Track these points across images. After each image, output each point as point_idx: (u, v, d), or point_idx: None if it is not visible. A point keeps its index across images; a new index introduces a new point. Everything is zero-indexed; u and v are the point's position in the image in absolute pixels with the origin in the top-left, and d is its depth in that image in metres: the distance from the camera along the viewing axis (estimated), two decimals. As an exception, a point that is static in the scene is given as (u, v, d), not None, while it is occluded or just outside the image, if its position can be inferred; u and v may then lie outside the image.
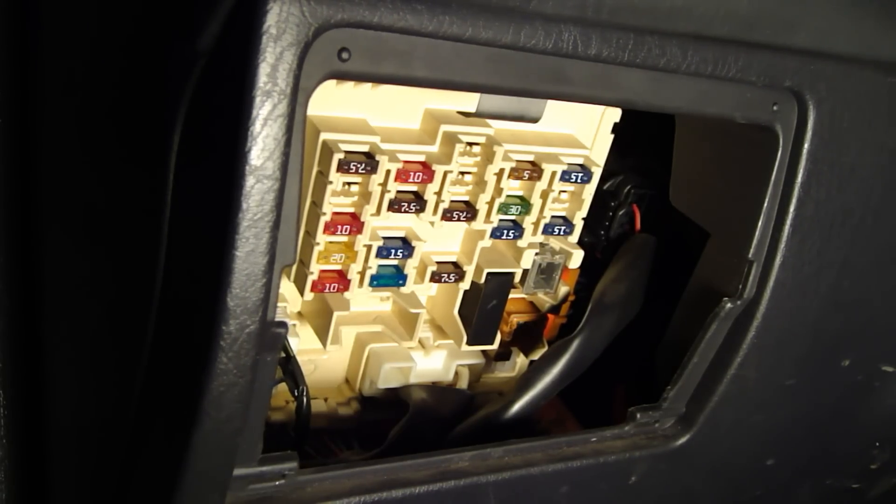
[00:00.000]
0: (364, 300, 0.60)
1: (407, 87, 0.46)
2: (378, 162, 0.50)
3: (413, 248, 0.54)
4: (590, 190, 0.59)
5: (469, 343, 0.61)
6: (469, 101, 0.53)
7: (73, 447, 0.56)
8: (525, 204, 0.57)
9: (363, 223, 0.52)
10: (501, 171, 0.54)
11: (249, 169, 0.38)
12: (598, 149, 0.61)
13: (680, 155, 0.61)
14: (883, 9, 0.56)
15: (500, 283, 0.59)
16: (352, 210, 0.52)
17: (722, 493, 0.73)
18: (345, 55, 0.40)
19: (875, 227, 0.62)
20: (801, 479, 0.79)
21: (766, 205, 0.56)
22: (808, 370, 0.67)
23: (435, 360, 0.65)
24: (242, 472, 0.46)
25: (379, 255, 0.53)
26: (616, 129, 0.60)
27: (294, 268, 0.53)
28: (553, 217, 0.59)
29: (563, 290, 0.64)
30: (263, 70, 0.37)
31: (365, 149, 0.50)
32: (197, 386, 0.41)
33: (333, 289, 0.53)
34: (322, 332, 0.56)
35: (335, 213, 0.51)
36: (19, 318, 0.59)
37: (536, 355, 0.65)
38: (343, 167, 0.49)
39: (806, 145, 0.55)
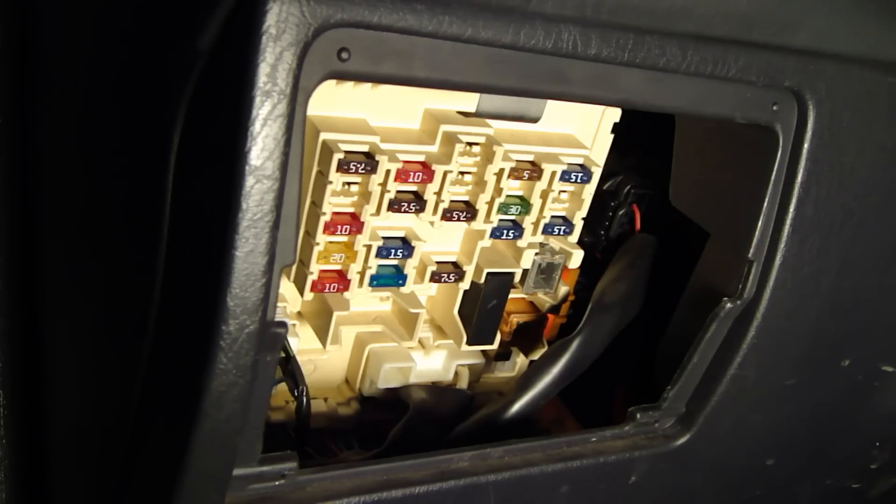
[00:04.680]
0: (364, 300, 0.60)
1: (407, 87, 0.46)
2: (378, 162, 0.50)
3: (413, 248, 0.54)
4: (590, 190, 0.59)
5: (469, 343, 0.61)
6: (469, 101, 0.53)
7: (73, 447, 0.56)
8: (525, 204, 0.57)
9: (363, 223, 0.52)
10: (501, 171, 0.54)
11: (249, 169, 0.38)
12: (598, 149, 0.61)
13: (680, 155, 0.61)
14: (883, 9, 0.56)
15: (500, 283, 0.59)
16: (352, 210, 0.52)
17: (722, 493, 0.73)
18: (344, 55, 0.40)
19: (875, 227, 0.62)
20: (801, 479, 0.79)
21: (766, 205, 0.56)
22: (808, 370, 0.67)
23: (435, 360, 0.65)
24: (242, 472, 0.46)
25: (379, 255, 0.53)
26: (616, 129, 0.60)
27: (294, 268, 0.53)
28: (553, 217, 0.59)
29: (563, 290, 0.64)
30: (263, 70, 0.37)
31: (365, 149, 0.50)
32: (197, 386, 0.41)
33: (333, 289, 0.53)
34: (322, 332, 0.56)
35: (335, 213, 0.51)
36: (19, 318, 0.59)
37: (536, 355, 0.65)
38: (343, 167, 0.49)
39: (806, 145, 0.55)
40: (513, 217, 0.57)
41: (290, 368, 0.51)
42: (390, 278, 0.55)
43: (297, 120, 0.39)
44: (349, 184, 0.51)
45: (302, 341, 0.58)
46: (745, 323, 0.60)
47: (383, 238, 0.54)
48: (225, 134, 0.38)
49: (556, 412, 0.67)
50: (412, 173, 0.52)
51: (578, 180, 0.58)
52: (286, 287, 0.54)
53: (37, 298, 0.59)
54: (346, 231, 0.52)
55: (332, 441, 0.60)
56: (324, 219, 0.51)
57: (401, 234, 0.55)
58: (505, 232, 0.57)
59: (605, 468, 0.60)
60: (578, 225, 0.60)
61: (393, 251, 0.54)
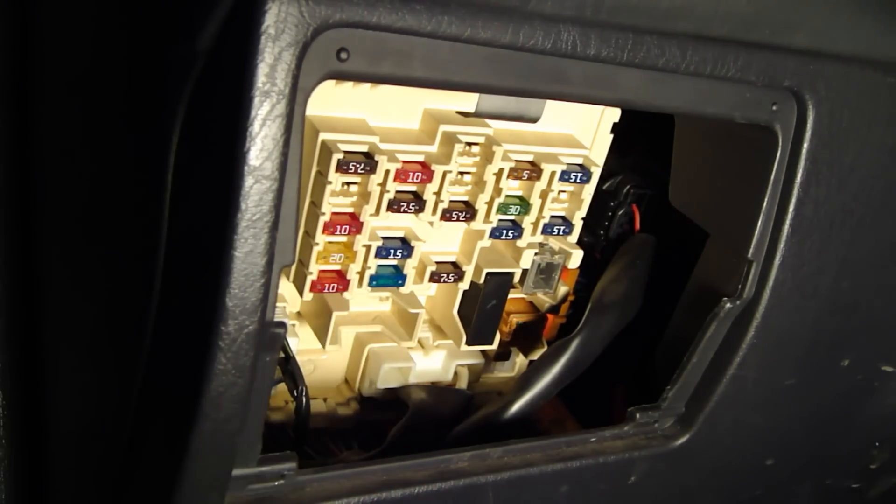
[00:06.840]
0: (363, 300, 0.60)
1: (406, 87, 0.46)
2: (377, 162, 0.50)
3: (412, 248, 0.54)
4: (589, 190, 0.59)
5: (468, 343, 0.61)
6: (468, 101, 0.53)
7: (73, 447, 0.56)
8: (524, 204, 0.57)
9: (362, 223, 0.52)
10: (500, 171, 0.54)
11: (248, 169, 0.38)
12: (597, 149, 0.61)
13: (679, 155, 0.61)
14: (883, 9, 0.56)
15: (500, 283, 0.59)
16: (351, 210, 0.52)
17: (721, 493, 0.73)
18: (343, 55, 0.40)
19: (875, 227, 0.62)
20: (801, 479, 0.79)
21: (765, 205, 0.56)
22: (808, 370, 0.67)
23: (434, 360, 0.64)
24: (242, 472, 0.46)
25: (378, 255, 0.53)
26: (616, 129, 0.60)
27: (293, 268, 0.53)
28: (552, 217, 0.59)
29: (563, 290, 0.64)
30: (262, 70, 0.37)
31: (364, 149, 0.50)
32: (196, 386, 0.41)
33: (333, 289, 0.53)
34: (321, 333, 0.56)
35: (334, 214, 0.51)
36: (19, 318, 0.59)
37: (536, 355, 0.65)
38: (342, 167, 0.49)
39: (805, 145, 0.55)
40: (512, 217, 0.57)
41: (289, 368, 0.51)
42: (390, 278, 0.55)
43: (296, 120, 0.39)
44: (348, 184, 0.51)
45: (301, 341, 0.58)
46: (745, 323, 0.60)
47: (383, 238, 0.54)
48: (224, 134, 0.38)
49: (555, 412, 0.67)
50: (411, 173, 0.52)
51: (578, 180, 0.58)
52: (285, 287, 0.54)
53: (37, 299, 0.59)
54: (345, 231, 0.52)
55: (331, 441, 0.60)
56: (323, 219, 0.51)
57: (400, 234, 0.55)
58: (504, 232, 0.57)
59: (605, 468, 0.60)
60: (578, 225, 0.60)
61: (392, 251, 0.54)
